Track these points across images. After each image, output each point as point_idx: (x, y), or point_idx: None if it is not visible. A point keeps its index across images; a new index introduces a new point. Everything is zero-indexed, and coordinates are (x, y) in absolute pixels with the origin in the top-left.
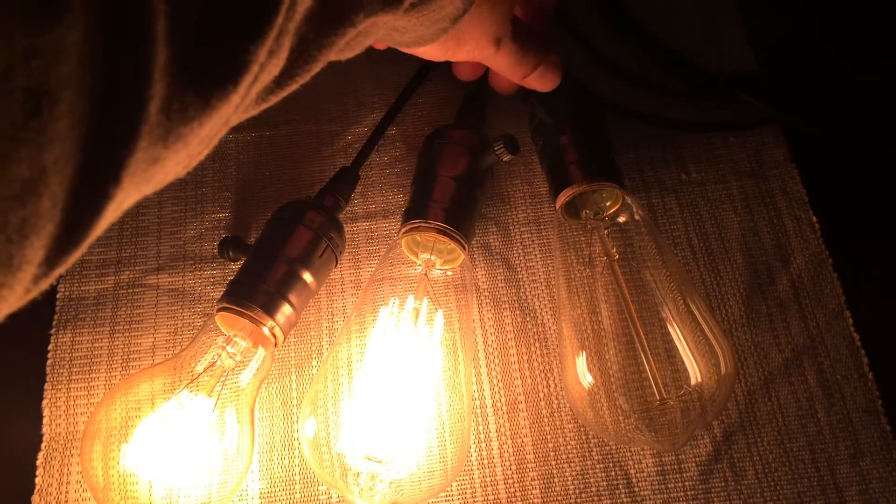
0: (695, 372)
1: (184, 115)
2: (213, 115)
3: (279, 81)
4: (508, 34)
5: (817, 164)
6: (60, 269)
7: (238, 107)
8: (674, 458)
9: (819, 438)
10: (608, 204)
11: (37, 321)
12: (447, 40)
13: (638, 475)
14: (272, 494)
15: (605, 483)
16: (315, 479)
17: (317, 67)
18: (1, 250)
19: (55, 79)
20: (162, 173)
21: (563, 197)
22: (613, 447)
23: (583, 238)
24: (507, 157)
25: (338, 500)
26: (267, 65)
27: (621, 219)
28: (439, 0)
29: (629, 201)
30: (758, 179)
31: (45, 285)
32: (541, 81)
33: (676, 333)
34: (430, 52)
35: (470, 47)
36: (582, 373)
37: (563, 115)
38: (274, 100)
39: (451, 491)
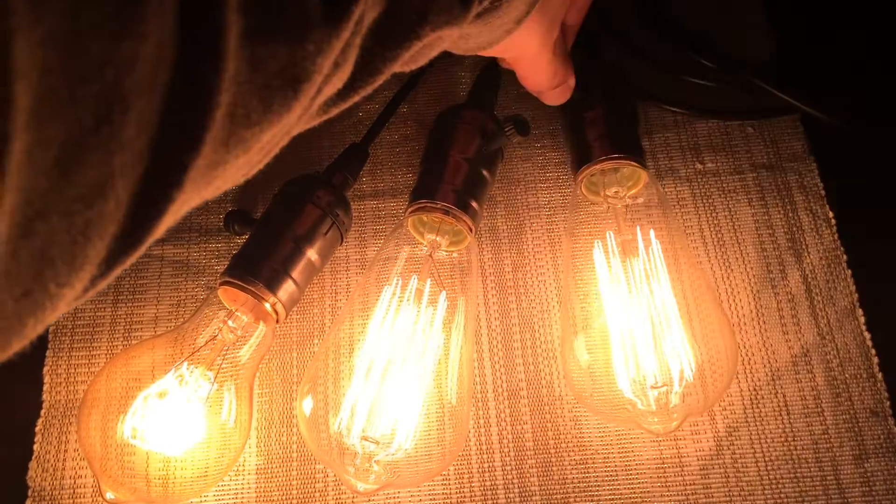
0: (695, 357)
1: (247, 121)
2: (274, 123)
3: (342, 93)
4: (549, 49)
5: (836, 159)
6: (118, 270)
7: (301, 117)
8: (674, 451)
9: (824, 438)
10: (630, 184)
11: None
12: None
13: (638, 467)
14: (269, 470)
15: (604, 473)
16: (312, 457)
17: (381, 80)
18: (65, 250)
19: (127, 87)
20: (222, 179)
21: (585, 172)
22: (614, 438)
23: (597, 217)
24: (516, 139)
25: (334, 478)
26: (332, 77)
27: (640, 199)
28: (505, 7)
29: (650, 182)
30: (775, 171)
31: (102, 285)
32: (549, 98)
33: (680, 319)
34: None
35: (514, 52)
36: (580, 351)
37: (592, 91)
38: (336, 111)
39: (448, 475)
